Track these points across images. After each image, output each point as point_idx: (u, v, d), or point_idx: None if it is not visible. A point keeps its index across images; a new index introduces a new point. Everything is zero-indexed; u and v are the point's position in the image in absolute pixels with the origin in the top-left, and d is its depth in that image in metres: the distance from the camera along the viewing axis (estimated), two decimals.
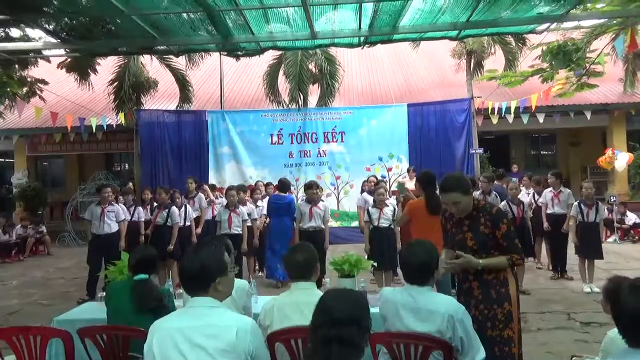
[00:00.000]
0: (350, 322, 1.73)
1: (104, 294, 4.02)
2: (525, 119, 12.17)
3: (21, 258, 11.04)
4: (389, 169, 11.97)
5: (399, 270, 6.73)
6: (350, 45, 5.84)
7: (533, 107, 11.06)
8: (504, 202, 6.94)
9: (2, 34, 8.79)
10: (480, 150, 12.22)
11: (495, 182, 7.94)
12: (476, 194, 7.10)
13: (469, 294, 2.97)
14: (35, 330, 3.00)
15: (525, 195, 7.73)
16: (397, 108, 12.29)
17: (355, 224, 11.42)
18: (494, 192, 7.48)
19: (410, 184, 8.35)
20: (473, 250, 2.94)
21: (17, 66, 10.18)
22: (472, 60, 12.31)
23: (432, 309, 2.43)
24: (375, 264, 4.48)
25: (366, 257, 5.83)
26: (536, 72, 8.06)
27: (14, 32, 9.17)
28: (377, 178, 8.20)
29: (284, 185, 7.73)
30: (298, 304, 2.65)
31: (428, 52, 15.63)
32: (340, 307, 1.77)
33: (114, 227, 7.01)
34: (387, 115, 12.14)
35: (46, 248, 11.71)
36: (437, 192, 4.68)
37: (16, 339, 2.93)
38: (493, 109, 11.75)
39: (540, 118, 12.26)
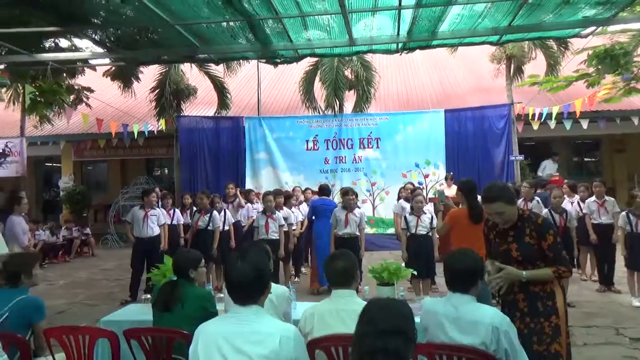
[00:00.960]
0: (396, 333, 1.70)
1: (149, 296, 4.15)
2: (568, 124, 11.78)
3: (67, 259, 11.49)
4: (426, 176, 11.83)
5: (437, 279, 6.65)
6: (388, 52, 5.81)
7: (577, 113, 10.70)
8: (545, 211, 6.73)
9: (52, 44, 9.22)
10: (521, 157, 11.90)
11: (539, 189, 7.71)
12: (518, 202, 6.91)
13: (513, 306, 2.89)
14: (84, 330, 3.11)
15: (569, 204, 7.46)
16: (433, 114, 12.14)
17: (390, 231, 11.33)
18: (537, 199, 7.26)
19: (449, 191, 8.21)
20: (517, 261, 2.86)
21: (65, 75, 10.64)
22: (512, 65, 12.04)
23: (476, 319, 2.38)
24: (415, 272, 4.41)
25: (403, 264, 5.76)
26: (581, 77, 7.82)
27: (63, 43, 9.60)
28: (413, 185, 8.13)
29: (324, 190, 7.79)
30: (338, 311, 2.64)
31: (465, 57, 15.38)
32: (385, 317, 1.75)
33: (156, 230, 7.18)
34: (424, 121, 12.01)
35: (90, 250, 12.14)
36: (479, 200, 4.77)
37: (66, 337, 3.05)
38: (534, 114, 11.44)
39: (584, 124, 11.83)
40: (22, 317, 3.14)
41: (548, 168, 12.57)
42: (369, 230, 10.77)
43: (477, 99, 13.52)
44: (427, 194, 10.70)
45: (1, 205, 7.71)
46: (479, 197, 3.71)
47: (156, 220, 7.19)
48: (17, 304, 3.15)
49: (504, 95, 12.32)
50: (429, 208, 6.58)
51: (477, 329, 2.35)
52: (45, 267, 10.47)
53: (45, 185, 18.13)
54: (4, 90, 5.95)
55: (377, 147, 12.12)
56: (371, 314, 1.79)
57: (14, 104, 12.51)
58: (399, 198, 8.35)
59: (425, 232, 6.22)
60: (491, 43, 5.83)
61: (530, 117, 11.54)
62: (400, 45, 5.55)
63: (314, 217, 7.62)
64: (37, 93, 7.06)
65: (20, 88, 10.63)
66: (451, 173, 10.40)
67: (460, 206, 5.09)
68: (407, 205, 7.19)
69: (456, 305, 2.45)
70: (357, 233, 6.83)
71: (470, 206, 4.71)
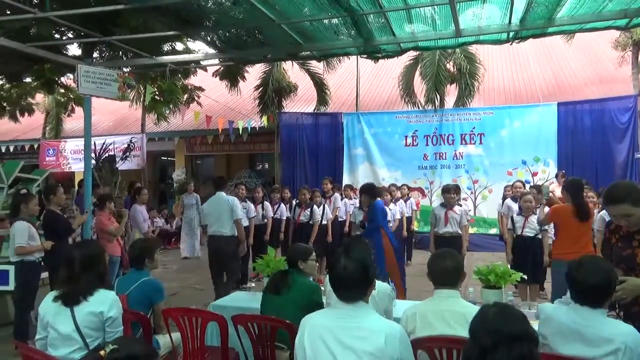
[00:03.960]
0: (526, 338, 1.63)
1: (253, 284, 4.37)
2: None
3: (178, 246, 12.43)
4: (534, 174, 11.05)
5: (545, 285, 6.19)
6: (498, 42, 5.49)
7: None
8: None
9: (170, 47, 10.03)
10: None
11: None
12: None
13: (638, 319, 2.59)
14: (197, 312, 3.35)
15: None
16: (545, 107, 11.28)
17: (493, 231, 10.78)
18: None
19: (559, 190, 7.60)
20: None
21: (180, 75, 11.54)
22: None
23: (606, 336, 2.13)
24: (525, 276, 4.15)
25: (508, 267, 5.46)
26: None
27: (178, 46, 10.41)
28: (524, 184, 7.60)
29: (374, 192, 6.49)
30: (442, 312, 2.56)
31: (583, 45, 14.12)
32: (511, 323, 1.66)
33: (244, 223, 7.47)
34: (533, 116, 11.21)
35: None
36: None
37: (181, 319, 3.30)
38: None
39: None
40: (145, 297, 3.46)
41: None
42: (469, 230, 10.33)
43: (597, 90, 12.36)
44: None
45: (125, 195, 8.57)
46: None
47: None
48: (141, 284, 3.48)
49: (629, 86, 11.10)
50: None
51: (607, 347, 2.11)
52: (161, 253, 11.44)
53: (161, 178, 19.78)
54: (129, 91, 6.60)
55: (480, 142, 11.56)
56: (491, 323, 1.68)
57: (136, 103, 13.85)
58: (504, 197, 7.90)
59: (533, 235, 5.85)
60: (618, 28, 5.25)
61: None
62: (511, 34, 5.21)
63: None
64: (157, 93, 7.73)
65: (142, 89, 11.75)
66: (563, 170, 9.61)
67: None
68: (515, 205, 6.79)
69: (585, 316, 2.22)
70: (459, 231, 6.58)
71: (577, 205, 4.69)
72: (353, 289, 2.05)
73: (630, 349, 2.07)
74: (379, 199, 6.61)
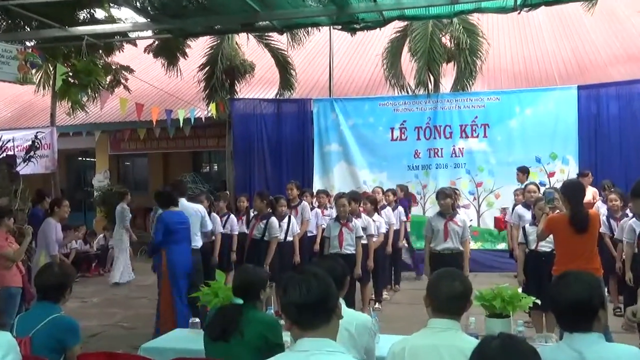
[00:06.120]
0: None
1: (197, 320, 4.32)
2: None
3: (101, 272, 12.21)
4: (551, 174, 11.33)
5: None
6: (502, 10, 5.63)
7: None
8: None
9: (87, 15, 9.85)
10: None
11: None
12: None
13: None
14: (123, 357, 3.30)
15: None
16: (562, 91, 11.61)
17: (502, 245, 10.99)
18: None
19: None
20: None
21: (101, 52, 11.35)
22: None
23: None
24: (539, 301, 4.24)
25: (520, 289, 5.58)
26: None
27: (99, 14, 10.23)
28: (538, 187, 7.78)
29: (167, 198, 6.72)
30: (437, 347, 2.59)
31: (607, 15, 14.61)
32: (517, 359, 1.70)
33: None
34: (549, 102, 11.52)
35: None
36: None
37: None
38: None
39: None
40: (54, 340, 3.36)
41: None
42: (472, 244, 10.50)
43: (624, 70, 12.81)
44: None
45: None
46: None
47: None
48: (50, 323, 3.38)
49: None
50: None
51: None
52: (77, 282, 11.21)
53: (77, 184, 19.37)
54: (34, 71, 6.46)
55: (484, 136, 11.79)
56: (492, 358, 1.73)
57: (44, 88, 13.53)
58: (515, 204, 8.07)
59: (550, 250, 5.97)
60: None
61: None
62: (519, 1, 5.36)
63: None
64: (70, 74, 7.59)
65: (51, 69, 11.49)
66: (586, 170, 9.89)
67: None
68: (527, 213, 6.94)
69: (580, 349, 2.30)
70: (460, 248, 6.68)
71: (573, 211, 4.96)
72: (314, 318, 2.04)
73: None
74: (172, 208, 6.59)
